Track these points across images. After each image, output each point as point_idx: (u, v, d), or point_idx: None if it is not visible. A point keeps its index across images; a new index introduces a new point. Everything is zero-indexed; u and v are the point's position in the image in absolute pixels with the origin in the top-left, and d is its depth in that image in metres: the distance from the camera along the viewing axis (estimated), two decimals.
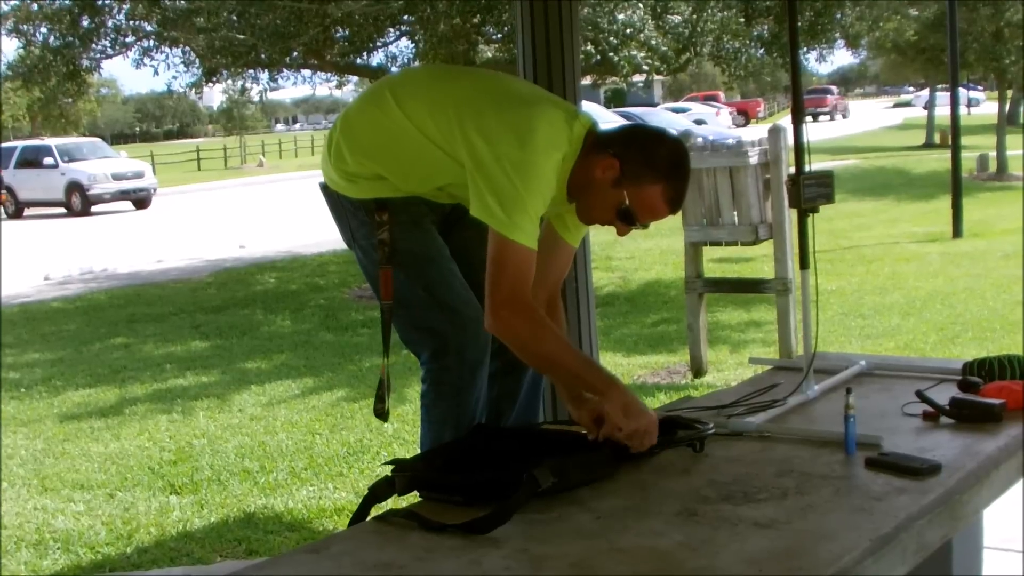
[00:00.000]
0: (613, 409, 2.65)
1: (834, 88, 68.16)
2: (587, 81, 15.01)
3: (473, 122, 2.75)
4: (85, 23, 13.28)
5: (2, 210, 29.48)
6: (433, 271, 2.97)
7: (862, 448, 2.62)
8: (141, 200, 29.76)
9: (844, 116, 62.72)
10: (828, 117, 60.71)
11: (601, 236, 15.37)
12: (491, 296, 2.70)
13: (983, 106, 55.64)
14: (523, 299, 2.69)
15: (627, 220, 2.79)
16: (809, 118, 57.42)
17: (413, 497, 2.58)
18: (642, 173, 2.73)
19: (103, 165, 29.85)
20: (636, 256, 14.44)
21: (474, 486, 2.46)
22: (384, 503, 2.56)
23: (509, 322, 2.70)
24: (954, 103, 16.20)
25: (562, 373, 2.82)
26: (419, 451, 3.04)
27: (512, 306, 2.68)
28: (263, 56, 12.95)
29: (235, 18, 12.74)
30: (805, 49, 15.03)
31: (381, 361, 3.02)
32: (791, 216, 6.84)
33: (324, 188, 3.06)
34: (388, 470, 2.61)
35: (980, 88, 58.67)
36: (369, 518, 2.49)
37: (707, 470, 2.61)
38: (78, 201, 29.12)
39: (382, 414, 3.07)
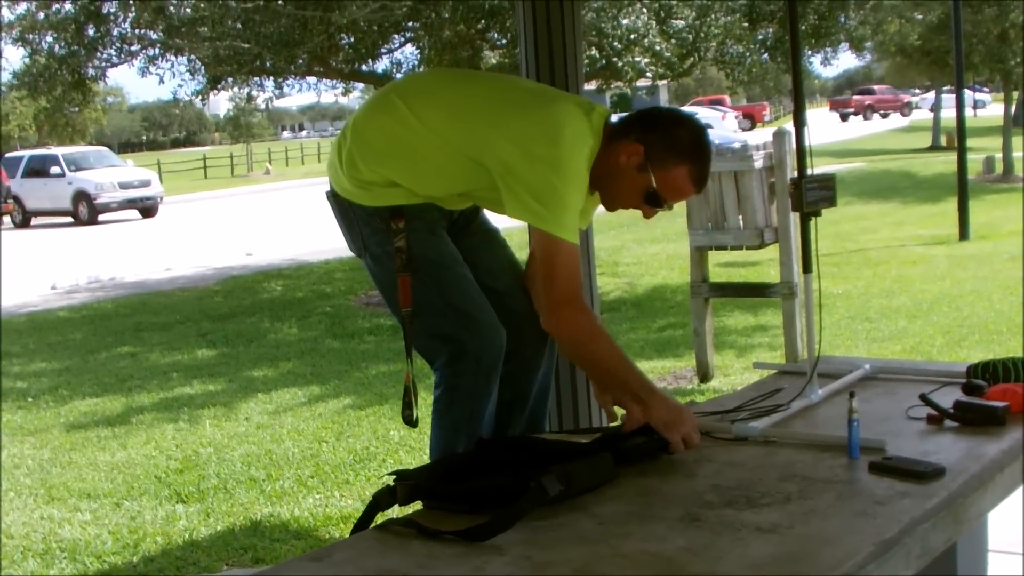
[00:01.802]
0: (656, 420, 2.77)
1: (875, 87, 64.24)
2: (592, 86, 15.00)
3: (495, 127, 2.80)
4: (90, 32, 13.28)
5: (9, 219, 29.55)
6: (449, 277, 2.97)
7: (866, 452, 2.61)
8: (148, 209, 29.80)
9: (904, 114, 59.90)
10: (862, 118, 59.73)
11: (607, 242, 15.38)
12: (549, 295, 2.79)
13: (989, 108, 55.54)
14: (579, 296, 2.81)
15: (655, 203, 2.88)
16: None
17: (417, 507, 2.58)
18: (667, 156, 2.82)
19: (110, 174, 29.89)
20: (642, 261, 14.43)
21: (479, 494, 2.45)
22: (388, 512, 2.56)
23: (570, 320, 2.81)
24: (959, 105, 16.18)
25: (607, 375, 2.89)
26: (427, 457, 3.04)
27: (572, 304, 2.79)
28: (268, 64, 12.96)
29: (240, 26, 12.75)
30: (809, 52, 15.01)
31: (404, 369, 3.02)
32: (796, 220, 6.83)
33: (333, 196, 3.05)
34: (391, 480, 2.61)
35: (986, 90, 58.22)
36: (371, 527, 2.49)
37: (710, 475, 2.60)
38: (85, 210, 29.17)
39: (411, 420, 3.07)
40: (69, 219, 29.54)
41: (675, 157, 2.83)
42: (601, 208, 3.07)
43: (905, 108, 61.22)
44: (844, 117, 60.64)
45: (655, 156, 2.82)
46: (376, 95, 3.14)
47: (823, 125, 53.04)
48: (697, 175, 2.87)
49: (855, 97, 64.07)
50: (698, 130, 2.90)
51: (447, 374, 2.98)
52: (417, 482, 2.58)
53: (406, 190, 2.92)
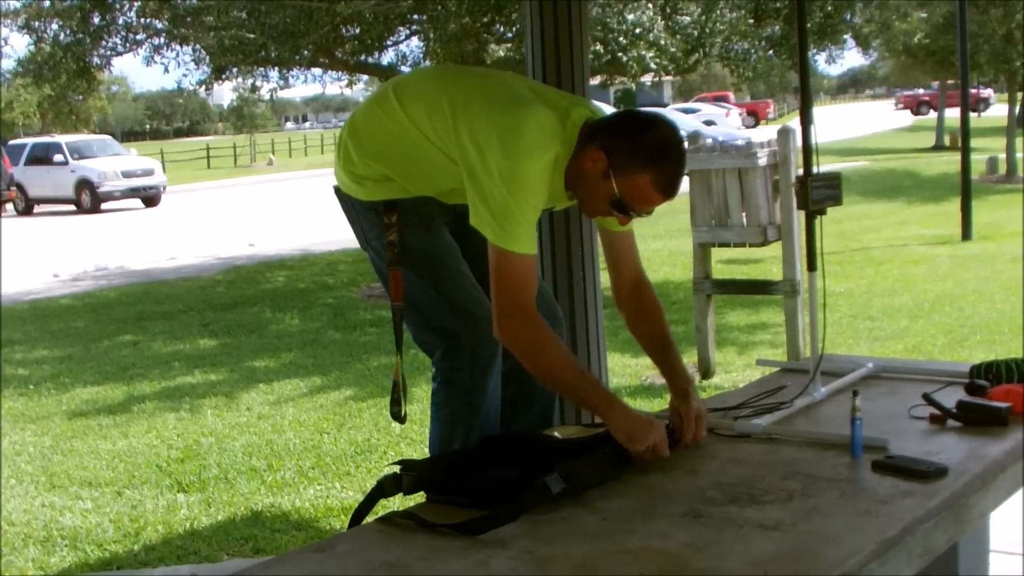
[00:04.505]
0: (617, 434, 2.70)
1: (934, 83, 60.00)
2: (596, 81, 14.99)
3: (466, 125, 2.74)
4: (96, 20, 13.28)
5: (12, 207, 29.56)
6: (442, 271, 2.97)
7: (868, 451, 2.62)
8: (151, 198, 29.82)
9: (980, 111, 54.27)
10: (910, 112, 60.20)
11: None
12: (496, 305, 2.72)
13: (993, 108, 55.26)
14: (525, 308, 2.71)
15: (622, 210, 2.78)
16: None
17: (419, 498, 2.58)
18: (628, 163, 2.70)
19: (113, 163, 29.89)
20: (645, 257, 14.22)
21: (483, 488, 2.46)
22: (389, 501, 2.57)
23: (513, 330, 2.73)
24: (964, 105, 16.17)
25: (562, 387, 2.84)
26: (427, 449, 3.05)
27: (515, 315, 2.71)
28: (273, 54, 12.95)
29: (245, 16, 12.75)
30: (814, 50, 15.00)
31: (394, 363, 3.03)
32: (800, 218, 6.83)
33: (337, 191, 3.07)
34: (397, 469, 2.62)
35: (990, 90, 57.50)
36: (372, 517, 2.49)
37: (713, 472, 2.61)
38: (88, 198, 29.18)
39: (399, 416, 3.07)
40: (72, 207, 29.55)
41: (637, 164, 2.69)
42: None
43: (981, 104, 55.58)
44: (915, 111, 60.87)
45: (617, 163, 2.70)
46: (377, 90, 3.14)
47: (827, 123, 52.97)
48: (661, 182, 2.72)
49: (905, 93, 65.00)
50: (662, 135, 2.75)
51: (443, 368, 2.99)
52: (422, 473, 2.58)
53: (398, 185, 2.92)
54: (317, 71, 14.68)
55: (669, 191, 2.75)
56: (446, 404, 2.99)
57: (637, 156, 2.70)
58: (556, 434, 2.89)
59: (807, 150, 3.38)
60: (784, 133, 7.33)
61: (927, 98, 61.21)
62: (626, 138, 2.72)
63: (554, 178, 2.75)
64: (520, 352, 2.76)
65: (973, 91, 53.50)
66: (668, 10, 13.69)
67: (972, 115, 17.56)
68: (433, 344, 3.00)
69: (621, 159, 2.70)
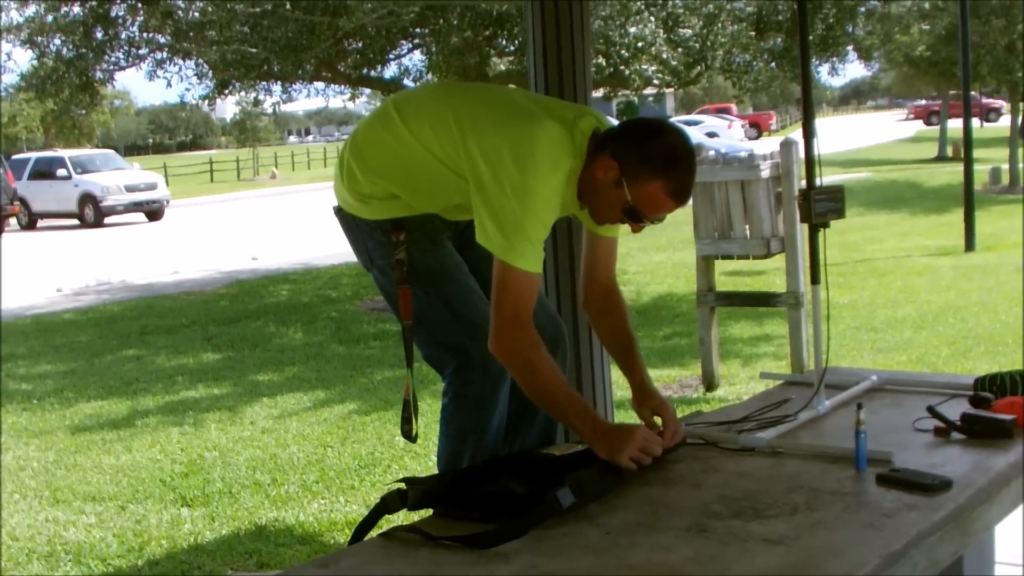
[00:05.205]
0: (602, 454, 2.70)
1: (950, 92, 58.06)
2: (599, 94, 15.01)
3: (475, 140, 2.74)
4: (99, 35, 13.31)
5: (15, 221, 29.61)
6: (452, 287, 2.97)
7: (873, 464, 2.61)
8: (154, 212, 29.86)
9: (991, 120, 54.83)
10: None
11: None
12: (494, 319, 2.72)
13: (1005, 118, 55.13)
14: (524, 324, 2.71)
15: (635, 218, 2.78)
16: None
17: (422, 515, 2.57)
18: (640, 170, 2.71)
19: (116, 177, 29.95)
20: (648, 270, 14.42)
21: (491, 501, 2.45)
22: (394, 516, 2.56)
23: (509, 345, 2.73)
24: (966, 116, 16.18)
25: (550, 405, 2.82)
26: (435, 463, 3.05)
27: (513, 330, 2.71)
28: (275, 68, 12.98)
29: (247, 30, 12.77)
30: (816, 62, 15.01)
31: (405, 380, 3.02)
32: (803, 230, 6.83)
33: (338, 211, 3.06)
34: (400, 486, 2.61)
35: (999, 102, 57.43)
36: (375, 533, 2.49)
37: (717, 485, 2.60)
38: (91, 213, 29.24)
39: (409, 435, 3.06)
40: (75, 221, 29.60)
41: (648, 171, 2.70)
42: None
43: (992, 114, 56.57)
44: (927, 121, 61.00)
45: (629, 171, 2.70)
46: (377, 108, 3.13)
47: (829, 134, 52.98)
48: (673, 188, 2.72)
49: (916, 104, 65.30)
50: (673, 141, 2.76)
51: (454, 382, 2.98)
52: (428, 487, 2.58)
53: (404, 202, 2.91)
54: (320, 85, 14.72)
55: (681, 197, 2.76)
56: (455, 419, 2.99)
57: (648, 163, 2.70)
58: (554, 452, 2.90)
59: (810, 162, 3.38)
60: (787, 145, 7.34)
61: (937, 108, 61.21)
62: (636, 145, 2.73)
63: (567, 191, 2.76)
64: (513, 366, 2.77)
65: (985, 101, 53.87)
66: (670, 23, 13.71)
67: (979, 125, 17.63)
68: (444, 360, 3.00)
69: (632, 167, 2.71)
